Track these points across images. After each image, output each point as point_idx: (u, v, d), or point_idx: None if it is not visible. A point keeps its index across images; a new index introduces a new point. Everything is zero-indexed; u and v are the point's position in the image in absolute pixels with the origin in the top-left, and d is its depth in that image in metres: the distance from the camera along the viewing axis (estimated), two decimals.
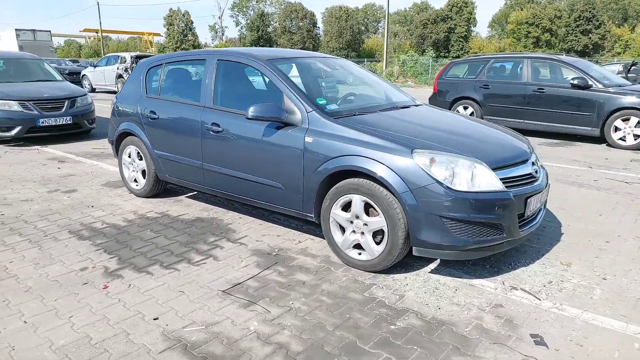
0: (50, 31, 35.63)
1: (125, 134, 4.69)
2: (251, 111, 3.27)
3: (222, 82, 3.89)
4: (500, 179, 2.89)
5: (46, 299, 2.74)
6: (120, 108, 4.74)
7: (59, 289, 2.85)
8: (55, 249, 3.43)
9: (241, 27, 66.54)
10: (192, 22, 61.57)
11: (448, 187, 2.75)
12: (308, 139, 3.23)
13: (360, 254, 3.11)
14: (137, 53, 19.65)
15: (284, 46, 60.70)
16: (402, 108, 3.84)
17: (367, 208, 3.03)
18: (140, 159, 4.60)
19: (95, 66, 20.58)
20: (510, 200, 2.84)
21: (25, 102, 7.55)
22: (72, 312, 2.60)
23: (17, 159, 6.56)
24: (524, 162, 3.14)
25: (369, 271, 3.09)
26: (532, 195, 3.01)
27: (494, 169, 2.90)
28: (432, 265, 3.21)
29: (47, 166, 6.15)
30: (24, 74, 8.89)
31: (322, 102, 3.44)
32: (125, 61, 18.58)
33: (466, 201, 2.74)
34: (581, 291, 2.89)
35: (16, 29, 33.20)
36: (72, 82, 9.64)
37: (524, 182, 3.03)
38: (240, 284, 2.94)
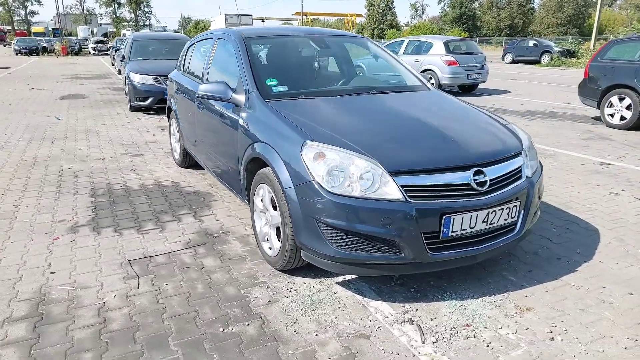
0: (251, 15, 40.19)
1: (170, 107, 5.17)
2: (200, 89, 3.28)
3: (214, 60, 3.96)
4: (408, 186, 2.34)
5: (10, 239, 3.29)
6: (170, 84, 5.23)
7: (25, 233, 3.39)
8: (64, 202, 4.05)
9: (443, 5, 63.91)
10: (392, 2, 61.82)
11: (323, 188, 2.37)
12: (241, 121, 3.12)
13: (270, 248, 2.92)
14: None
15: (489, 24, 56.46)
16: (385, 93, 3.37)
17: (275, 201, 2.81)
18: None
19: None
20: (407, 214, 2.29)
21: (158, 77, 8.81)
22: (10, 252, 3.08)
23: (134, 125, 7.78)
24: (460, 169, 2.46)
25: (275, 268, 2.88)
26: (457, 212, 2.37)
27: (400, 173, 2.36)
28: (350, 277, 2.81)
29: (148, 132, 7.14)
30: (173, 52, 10.32)
31: (271, 82, 3.24)
32: None
33: (344, 207, 2.32)
34: (493, 347, 2.20)
35: (225, 14, 38.39)
36: None
37: (448, 194, 2.40)
38: (150, 257, 3.06)
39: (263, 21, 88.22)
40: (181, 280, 2.77)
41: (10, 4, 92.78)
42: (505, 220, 2.56)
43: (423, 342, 2.22)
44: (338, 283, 2.75)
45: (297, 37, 3.95)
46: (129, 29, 76.64)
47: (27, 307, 2.47)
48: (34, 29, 74.93)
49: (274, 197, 2.68)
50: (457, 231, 2.41)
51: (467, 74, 12.13)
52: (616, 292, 2.68)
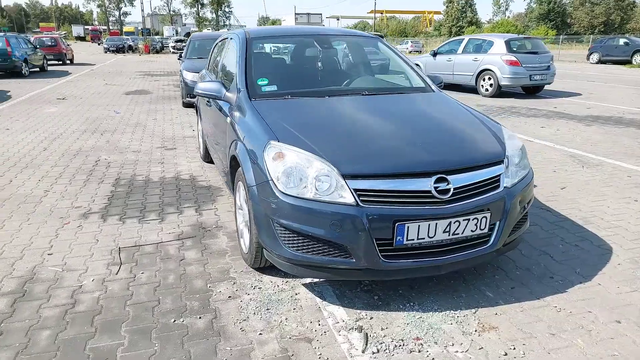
0: (321, 14, 40.61)
1: (196, 104, 5.41)
2: (198, 87, 3.41)
3: (223, 59, 4.09)
4: (362, 191, 2.29)
5: (28, 221, 3.63)
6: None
7: (43, 217, 3.72)
8: (87, 190, 4.39)
9: (530, 0, 60.37)
10: None
11: (277, 188, 2.38)
12: (229, 119, 3.20)
13: (244, 245, 2.97)
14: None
15: (580, 20, 52.70)
16: (378, 94, 3.31)
17: None
18: None
19: None
20: (357, 219, 2.24)
21: None
22: (22, 233, 3.39)
23: (181, 120, 8.19)
24: (421, 175, 2.36)
25: (248, 265, 2.93)
26: (412, 220, 2.28)
27: (355, 177, 2.31)
28: (317, 279, 2.80)
29: (190, 128, 7.49)
30: None
31: (262, 82, 3.29)
32: None
33: (296, 208, 2.32)
34: None
35: (296, 13, 39.13)
36: None
37: (404, 200, 2.31)
38: (139, 246, 3.24)
39: (338, 20, 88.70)
40: (158, 270, 2.90)
41: (106, 6, 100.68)
42: (472, 231, 2.42)
43: (363, 352, 2.17)
44: (304, 284, 2.75)
45: (302, 37, 3.96)
46: (209, 28, 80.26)
47: (15, 284, 2.72)
48: (125, 28, 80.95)
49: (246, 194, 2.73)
50: (413, 240, 2.31)
51: (530, 75, 11.43)
52: (602, 319, 2.44)
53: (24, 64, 15.52)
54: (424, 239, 2.33)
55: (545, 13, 53.35)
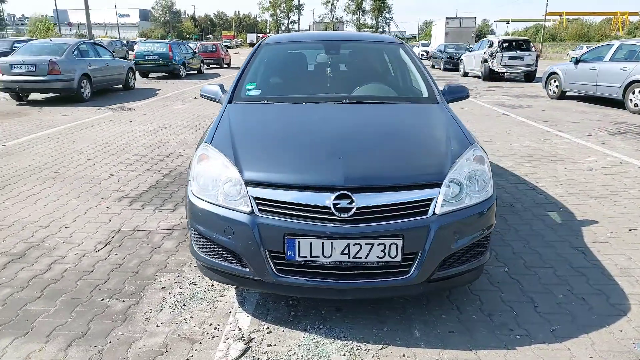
0: (475, 18, 38.59)
1: None
2: (202, 89, 3.64)
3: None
4: (261, 199, 2.24)
5: (79, 198, 4.29)
6: None
7: (90, 196, 4.36)
8: (139, 178, 4.99)
9: None
10: None
11: (192, 190, 2.45)
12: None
13: None
14: (504, 37, 19.14)
15: None
16: (359, 103, 3.16)
17: None
18: None
19: (471, 50, 21.44)
20: (247, 227, 2.21)
21: None
22: (66, 208, 4.04)
23: None
24: (323, 189, 2.20)
25: None
26: (303, 236, 2.16)
27: (257, 185, 2.27)
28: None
29: None
30: None
31: (250, 86, 3.38)
32: (492, 45, 18.55)
33: (200, 211, 2.37)
34: None
35: (446, 17, 37.82)
36: None
37: (301, 214, 2.19)
38: (135, 230, 3.60)
39: (508, 23, 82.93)
40: (130, 253, 3.21)
41: (277, 15, 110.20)
42: (380, 258, 2.18)
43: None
44: (237, 288, 2.77)
45: (315, 42, 3.92)
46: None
47: (22, 247, 3.28)
48: None
49: None
50: (306, 257, 2.18)
51: None
52: None
53: (182, 67, 17.95)
54: (318, 257, 2.18)
55: None
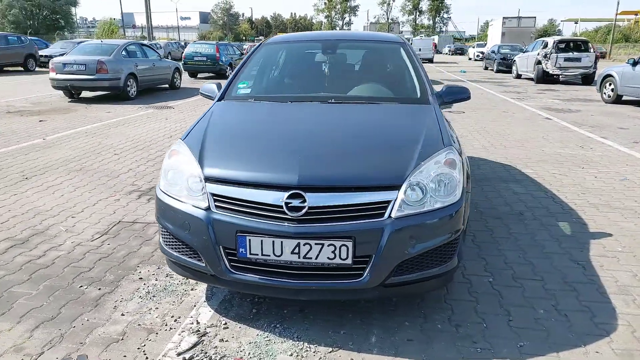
0: (534, 17, 36.95)
1: None
2: (201, 88, 3.73)
3: None
4: (218, 196, 2.27)
5: (95, 189, 4.53)
6: None
7: (105, 188, 4.59)
8: (155, 173, 5.18)
9: None
10: None
11: (159, 184, 2.53)
12: None
13: None
14: (560, 37, 18.15)
15: None
16: (344, 103, 3.12)
17: None
18: None
19: (524, 51, 20.51)
20: (201, 223, 2.24)
21: None
22: (80, 199, 4.27)
23: None
24: (277, 188, 2.19)
25: None
26: (254, 234, 2.16)
27: (216, 181, 2.30)
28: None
29: None
30: None
31: (242, 85, 3.42)
32: (546, 46, 17.66)
33: (163, 205, 2.43)
34: None
35: (503, 17, 36.45)
36: None
37: (254, 211, 2.19)
38: (134, 222, 3.75)
39: (576, 23, 78.63)
40: (121, 244, 3.34)
41: (332, 17, 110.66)
42: (330, 259, 2.14)
43: (177, 354, 2.17)
44: (213, 288, 2.81)
45: (314, 42, 3.91)
46: (422, 35, 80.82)
47: (28, 234, 3.50)
48: None
49: None
50: (257, 255, 2.19)
51: None
52: None
53: (228, 68, 18.44)
54: (269, 256, 2.18)
55: None
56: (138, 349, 2.22)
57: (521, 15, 36.70)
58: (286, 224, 2.14)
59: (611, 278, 2.92)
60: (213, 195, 2.28)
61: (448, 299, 2.67)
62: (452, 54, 55.84)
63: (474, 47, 40.79)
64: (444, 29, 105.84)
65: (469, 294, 2.73)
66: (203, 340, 2.29)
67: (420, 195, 2.24)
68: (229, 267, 2.25)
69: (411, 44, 27.12)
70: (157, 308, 2.56)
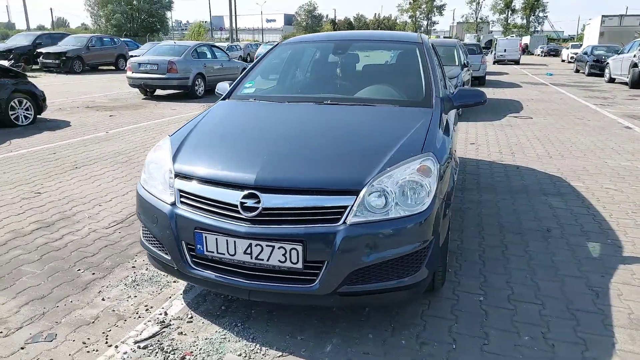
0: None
1: None
2: (216, 87, 3.84)
3: None
4: (184, 192, 2.33)
5: (127, 181, 4.84)
6: None
7: (128, 179, 4.88)
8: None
9: None
10: None
11: (140, 178, 2.64)
12: None
13: None
14: None
15: None
16: (339, 104, 3.06)
17: None
18: None
19: (619, 52, 18.66)
20: (165, 217, 2.31)
21: None
22: (112, 187, 4.59)
23: None
24: (236, 187, 2.20)
25: None
26: (210, 231, 2.19)
27: (183, 177, 2.37)
28: None
29: None
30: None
31: (248, 84, 3.47)
32: None
33: (140, 200, 2.54)
34: None
35: (602, 15, 33.49)
36: None
37: (213, 209, 2.22)
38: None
39: None
40: (130, 233, 3.54)
41: (416, 17, 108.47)
42: (281, 262, 2.11)
43: (135, 342, 2.26)
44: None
45: (328, 42, 3.84)
46: (513, 35, 76.64)
47: (55, 218, 3.82)
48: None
49: None
50: (213, 252, 2.21)
51: None
52: None
53: None
54: (224, 254, 2.20)
55: None
56: (103, 333, 2.34)
57: (624, 14, 33.41)
58: (240, 223, 2.14)
59: (625, 309, 2.58)
60: (179, 190, 2.34)
61: (426, 314, 2.51)
62: (545, 55, 52.17)
63: (568, 49, 37.87)
64: (538, 29, 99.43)
65: (451, 311, 2.54)
66: (164, 331, 2.35)
67: (383, 202, 2.14)
68: (190, 262, 2.29)
69: (495, 44, 25.68)
70: (135, 296, 2.68)
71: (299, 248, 2.07)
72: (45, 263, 3.05)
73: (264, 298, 2.26)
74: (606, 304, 2.63)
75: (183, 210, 2.28)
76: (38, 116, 8.08)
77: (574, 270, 3.02)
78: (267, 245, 2.10)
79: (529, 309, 2.58)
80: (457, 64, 10.16)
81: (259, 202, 2.13)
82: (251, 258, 2.14)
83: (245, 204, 2.14)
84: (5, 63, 16.13)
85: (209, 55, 12.45)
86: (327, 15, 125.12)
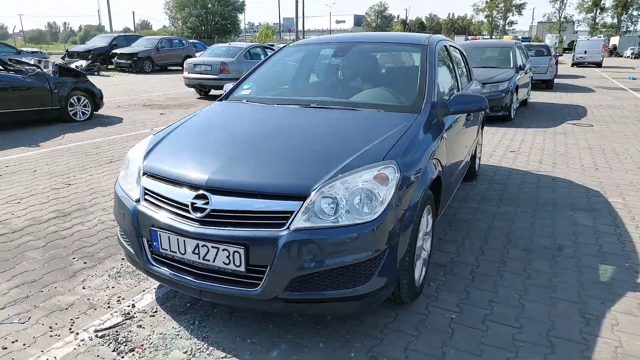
0: None
1: None
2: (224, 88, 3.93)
3: None
4: (148, 190, 2.42)
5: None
6: None
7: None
8: None
9: None
10: None
11: (120, 176, 2.75)
12: None
13: None
14: None
15: None
16: (324, 108, 3.01)
17: None
18: None
19: None
20: (129, 212, 2.40)
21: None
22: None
23: None
24: (190, 187, 2.24)
25: None
26: (163, 230, 2.25)
27: (149, 176, 2.45)
28: None
29: None
30: (493, 59, 10.02)
31: (246, 86, 3.52)
32: None
33: (115, 195, 2.65)
34: None
35: None
36: None
37: (170, 208, 2.27)
38: None
39: None
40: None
41: (493, 16, 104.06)
42: (226, 264, 2.12)
43: (95, 331, 2.37)
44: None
45: (334, 44, 3.78)
46: (601, 35, 71.42)
47: (74, 209, 4.10)
48: (505, 37, 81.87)
49: None
50: (166, 250, 2.27)
51: None
52: None
53: None
54: (175, 252, 2.25)
55: None
56: (71, 319, 2.47)
57: None
58: (189, 223, 2.18)
59: (614, 341, 2.32)
60: (144, 188, 2.42)
61: (388, 328, 2.41)
62: (635, 58, 47.85)
63: None
64: (630, 28, 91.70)
65: (416, 327, 2.42)
66: (125, 323, 2.45)
67: (333, 209, 2.08)
68: (150, 258, 2.37)
69: (575, 45, 24.10)
70: (114, 287, 2.81)
71: (241, 251, 2.07)
72: (47, 250, 3.27)
73: (213, 299, 2.27)
74: (594, 334, 2.38)
75: (144, 207, 2.35)
76: (95, 112, 8.69)
77: (572, 294, 2.76)
78: (212, 247, 2.12)
79: (502, 331, 2.39)
80: (511, 66, 9.62)
81: (207, 203, 2.15)
82: (199, 258, 2.17)
83: (195, 205, 2.18)
84: (83, 63, 17.59)
85: (262, 57, 12.72)
86: (397, 16, 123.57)
